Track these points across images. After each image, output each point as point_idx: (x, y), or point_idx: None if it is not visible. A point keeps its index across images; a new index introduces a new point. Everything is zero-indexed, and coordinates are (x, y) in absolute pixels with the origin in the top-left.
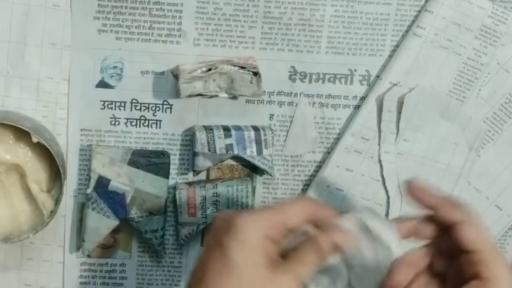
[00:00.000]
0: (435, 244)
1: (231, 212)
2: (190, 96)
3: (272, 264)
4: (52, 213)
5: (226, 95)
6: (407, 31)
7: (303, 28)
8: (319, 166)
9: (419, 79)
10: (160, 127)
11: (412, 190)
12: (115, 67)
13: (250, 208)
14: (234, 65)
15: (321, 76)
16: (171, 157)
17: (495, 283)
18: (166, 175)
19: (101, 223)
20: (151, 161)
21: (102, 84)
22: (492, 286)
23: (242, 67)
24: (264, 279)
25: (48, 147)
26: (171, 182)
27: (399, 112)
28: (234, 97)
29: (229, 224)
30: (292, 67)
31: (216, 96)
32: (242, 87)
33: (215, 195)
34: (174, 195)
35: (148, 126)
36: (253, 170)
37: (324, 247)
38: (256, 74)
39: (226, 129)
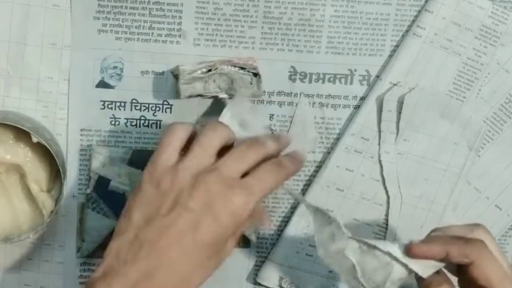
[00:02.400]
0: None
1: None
2: (190, 96)
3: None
4: (52, 213)
5: (226, 95)
6: (407, 31)
7: (303, 28)
8: (319, 166)
9: (419, 79)
10: (160, 127)
11: (415, 253)
12: (115, 67)
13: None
14: (234, 66)
15: (321, 76)
16: None
17: None
18: None
19: (101, 223)
20: None
21: (102, 84)
22: None
23: (242, 68)
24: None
25: (48, 147)
26: None
27: (399, 112)
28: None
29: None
30: (292, 67)
31: (216, 96)
32: (242, 88)
33: None
34: None
35: (148, 126)
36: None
37: (285, 165)
38: (256, 75)
39: None
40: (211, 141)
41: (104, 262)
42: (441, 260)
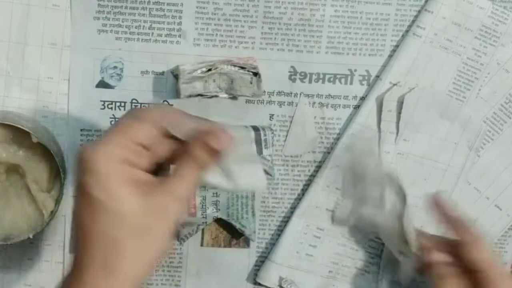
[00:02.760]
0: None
1: (83, 146)
2: (190, 96)
3: (144, 188)
4: (52, 213)
5: (226, 95)
6: (407, 31)
7: (303, 28)
8: (319, 166)
9: (419, 79)
10: None
11: (437, 203)
12: (115, 67)
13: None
14: (234, 66)
15: (321, 76)
16: None
17: None
18: None
19: None
20: None
21: (102, 84)
22: None
23: (242, 68)
24: (137, 205)
25: (48, 147)
26: None
27: (399, 112)
28: (234, 98)
29: (80, 160)
30: (292, 67)
31: (216, 96)
32: (242, 88)
33: (215, 195)
34: None
35: None
36: None
37: (199, 156)
38: (256, 74)
39: None
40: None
41: None
42: None
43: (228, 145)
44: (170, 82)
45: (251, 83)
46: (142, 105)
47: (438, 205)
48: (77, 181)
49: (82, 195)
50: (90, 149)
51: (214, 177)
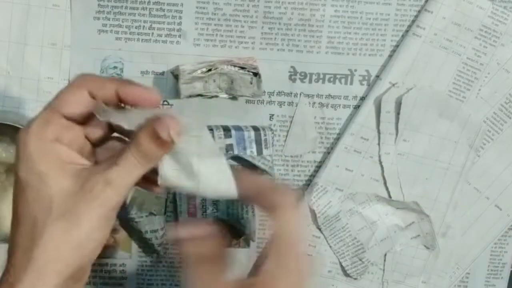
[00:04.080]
0: None
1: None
2: (190, 96)
3: (76, 170)
4: None
5: (226, 95)
6: (407, 31)
7: (303, 28)
8: (319, 166)
9: (419, 79)
10: None
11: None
12: (115, 67)
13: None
14: (234, 66)
15: (321, 76)
16: None
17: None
18: None
19: None
20: None
21: None
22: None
23: (242, 68)
24: (65, 187)
25: None
26: None
27: (398, 113)
28: (234, 98)
29: (17, 143)
30: (292, 67)
31: (216, 96)
32: (242, 88)
33: None
34: (174, 195)
35: None
36: (253, 170)
37: (144, 145)
38: (256, 74)
39: (226, 129)
40: None
41: None
42: None
43: (179, 134)
44: (170, 82)
45: (251, 83)
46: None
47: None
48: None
49: (16, 180)
50: (23, 130)
51: (171, 172)
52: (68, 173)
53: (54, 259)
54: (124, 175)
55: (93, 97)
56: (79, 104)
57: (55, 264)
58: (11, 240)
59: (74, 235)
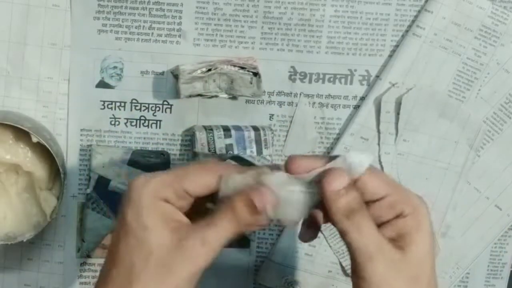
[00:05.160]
0: None
1: (137, 177)
2: (190, 96)
3: (176, 227)
4: (53, 213)
5: (226, 95)
6: (407, 31)
7: (303, 28)
8: None
9: (419, 79)
10: (160, 127)
11: (296, 163)
12: (115, 67)
13: None
14: (234, 66)
15: (321, 76)
16: (171, 157)
17: (419, 215)
18: None
19: (101, 223)
20: (151, 161)
21: (102, 84)
22: (418, 220)
23: (242, 68)
24: (165, 241)
25: (48, 147)
26: None
27: (397, 113)
28: (234, 97)
29: (129, 189)
30: (292, 67)
31: (216, 96)
32: (242, 88)
33: None
34: None
35: (148, 126)
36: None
37: (239, 210)
38: (256, 74)
39: (226, 129)
40: None
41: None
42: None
43: (271, 206)
44: (170, 82)
45: (251, 83)
46: (142, 105)
47: (303, 161)
48: (121, 205)
49: (120, 220)
50: (140, 182)
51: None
52: (170, 229)
53: None
54: (219, 236)
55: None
56: (204, 186)
57: None
58: (106, 272)
59: (166, 286)
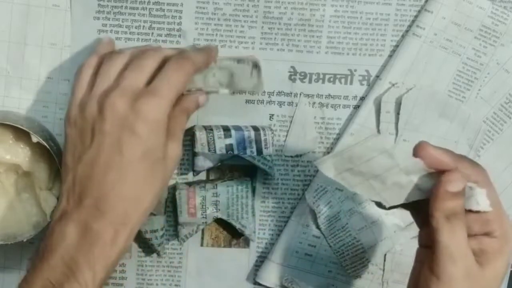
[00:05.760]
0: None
1: (149, 94)
2: (189, 91)
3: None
4: (53, 213)
5: (226, 90)
6: (407, 31)
7: (303, 28)
8: None
9: (419, 79)
10: None
11: (424, 150)
12: None
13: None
14: (234, 59)
15: (321, 76)
16: None
17: (505, 242)
18: None
19: None
20: None
21: None
22: (502, 245)
23: (242, 60)
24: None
25: (48, 147)
26: (171, 182)
27: (397, 113)
28: (234, 96)
29: (144, 110)
30: (292, 67)
31: (216, 92)
32: (242, 81)
33: (215, 195)
34: (174, 195)
35: None
36: (253, 170)
37: (191, 54)
38: (256, 66)
39: (226, 129)
40: (111, 66)
41: (58, 207)
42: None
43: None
44: None
45: (251, 74)
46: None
47: (432, 150)
48: (134, 111)
49: (130, 123)
50: (157, 107)
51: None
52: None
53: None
54: (168, 86)
55: None
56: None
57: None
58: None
59: (167, 173)
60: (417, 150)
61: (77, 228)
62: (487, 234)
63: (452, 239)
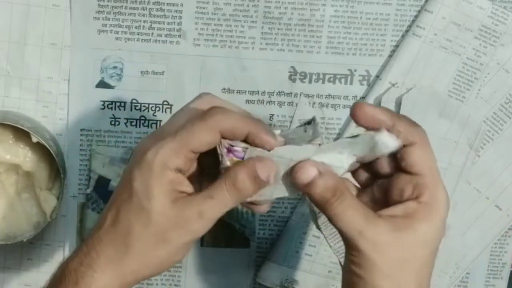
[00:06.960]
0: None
1: (147, 142)
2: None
3: (178, 197)
4: (53, 213)
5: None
6: (407, 31)
7: (303, 28)
8: None
9: (419, 79)
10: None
11: (361, 109)
12: (115, 67)
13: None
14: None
15: (321, 76)
16: None
17: (433, 209)
18: None
19: None
20: None
21: (102, 84)
22: (429, 211)
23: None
24: (164, 210)
25: (48, 147)
26: None
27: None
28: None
29: (141, 155)
30: (292, 67)
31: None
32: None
33: None
34: None
35: (148, 126)
36: None
37: (240, 183)
38: (309, 122)
39: None
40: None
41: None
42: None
43: (275, 177)
44: (170, 82)
45: (305, 131)
46: (142, 105)
47: (367, 109)
48: (128, 166)
49: (126, 181)
50: (153, 151)
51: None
52: (172, 199)
53: (136, 270)
54: (216, 209)
55: (223, 136)
56: (210, 144)
57: (135, 274)
58: (104, 227)
59: (159, 255)
60: (354, 110)
61: None
62: (410, 198)
63: (341, 222)
